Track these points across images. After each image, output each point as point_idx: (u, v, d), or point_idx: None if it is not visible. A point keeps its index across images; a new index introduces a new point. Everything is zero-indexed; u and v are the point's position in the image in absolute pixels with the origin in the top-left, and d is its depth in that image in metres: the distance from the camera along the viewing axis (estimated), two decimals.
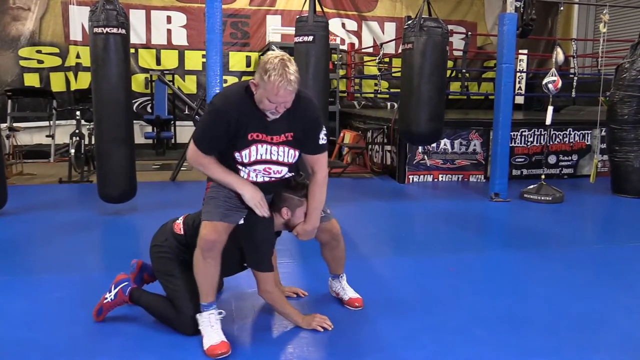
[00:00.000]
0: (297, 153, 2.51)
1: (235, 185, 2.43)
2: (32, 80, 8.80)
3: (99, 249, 4.14)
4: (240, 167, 2.45)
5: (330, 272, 2.96)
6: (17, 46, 8.68)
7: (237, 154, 2.41)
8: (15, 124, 7.57)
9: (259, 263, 2.50)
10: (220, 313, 2.45)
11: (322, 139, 2.53)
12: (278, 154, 2.45)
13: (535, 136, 7.00)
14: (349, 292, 2.92)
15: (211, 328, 2.39)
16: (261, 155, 2.42)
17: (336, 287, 2.95)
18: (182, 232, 2.58)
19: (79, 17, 8.86)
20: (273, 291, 2.54)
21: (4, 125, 7.20)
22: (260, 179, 2.48)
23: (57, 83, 8.93)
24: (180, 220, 2.64)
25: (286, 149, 2.46)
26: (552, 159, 7.11)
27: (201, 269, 2.42)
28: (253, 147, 2.40)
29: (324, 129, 2.54)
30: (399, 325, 2.68)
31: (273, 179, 2.51)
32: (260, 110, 2.34)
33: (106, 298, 2.61)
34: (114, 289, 2.61)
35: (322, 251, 2.87)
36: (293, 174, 2.59)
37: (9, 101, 7.95)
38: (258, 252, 2.50)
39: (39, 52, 8.83)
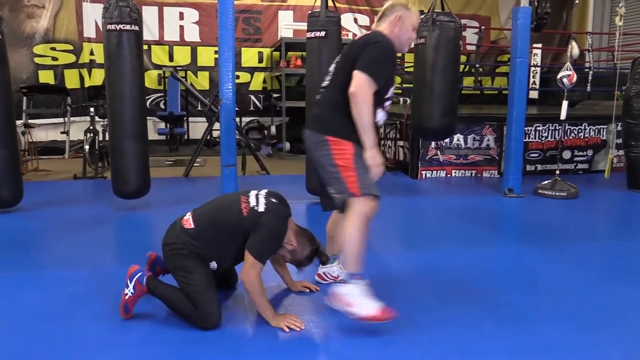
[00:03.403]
0: None
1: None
2: (46, 77, 8.88)
3: (113, 244, 4.18)
4: (384, 103, 2.69)
5: (331, 253, 3.06)
6: (32, 43, 8.76)
7: (391, 89, 2.70)
8: (30, 121, 7.66)
9: (258, 249, 2.53)
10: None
11: None
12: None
13: (550, 131, 6.94)
14: None
15: (367, 296, 2.50)
16: (391, 90, 2.72)
17: (335, 271, 3.10)
18: (192, 226, 2.62)
19: (93, 14, 8.91)
20: (255, 277, 2.53)
21: (19, 122, 7.27)
22: (382, 119, 2.74)
23: (71, 80, 9.01)
24: (188, 216, 2.69)
25: None
26: (566, 155, 7.04)
27: (362, 238, 2.54)
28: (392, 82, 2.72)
29: None
30: (410, 319, 2.67)
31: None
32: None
33: (126, 294, 2.60)
34: (131, 282, 2.60)
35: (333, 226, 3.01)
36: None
37: (24, 98, 8.03)
38: (263, 240, 2.54)
39: (53, 49, 8.90)
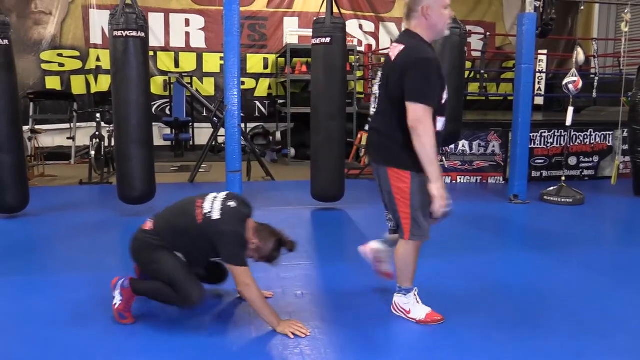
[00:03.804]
0: None
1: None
2: (53, 83, 8.94)
3: (119, 250, 4.17)
4: (443, 110, 2.60)
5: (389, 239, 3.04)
6: (39, 50, 8.83)
7: (444, 94, 2.58)
8: (37, 127, 7.69)
9: (233, 256, 2.54)
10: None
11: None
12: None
13: (555, 137, 6.92)
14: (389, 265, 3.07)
15: (419, 303, 2.75)
16: (445, 94, 2.61)
17: (386, 254, 3.02)
18: (152, 228, 2.67)
19: (99, 21, 8.98)
20: (252, 283, 2.53)
21: (26, 127, 7.30)
22: (443, 127, 2.64)
23: (77, 86, 9.06)
24: (148, 221, 2.74)
25: None
26: (572, 161, 7.01)
27: (414, 260, 2.73)
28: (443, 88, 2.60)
29: None
30: (416, 326, 2.67)
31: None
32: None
33: (115, 303, 2.64)
34: (116, 290, 2.65)
35: None
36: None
37: (31, 104, 8.06)
38: (230, 247, 2.54)
39: (60, 55, 8.97)
